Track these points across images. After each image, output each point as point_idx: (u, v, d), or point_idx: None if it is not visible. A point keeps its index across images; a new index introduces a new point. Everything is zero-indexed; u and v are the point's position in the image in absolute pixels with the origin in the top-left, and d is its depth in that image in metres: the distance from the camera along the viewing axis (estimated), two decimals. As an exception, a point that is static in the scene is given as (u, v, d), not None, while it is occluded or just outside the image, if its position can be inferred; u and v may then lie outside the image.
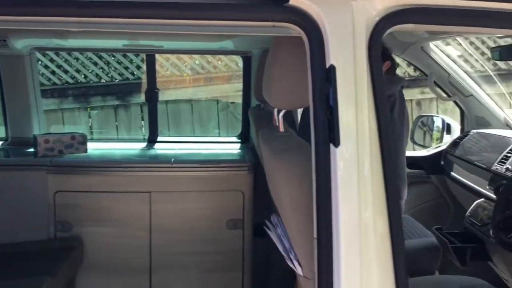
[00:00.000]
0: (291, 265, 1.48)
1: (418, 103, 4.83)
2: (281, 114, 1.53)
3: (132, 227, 2.48)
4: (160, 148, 2.82)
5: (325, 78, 1.20)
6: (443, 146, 2.94)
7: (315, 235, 1.22)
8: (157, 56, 4.62)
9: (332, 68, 1.18)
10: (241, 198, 2.51)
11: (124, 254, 2.49)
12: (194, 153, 2.67)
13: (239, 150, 2.80)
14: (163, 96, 4.56)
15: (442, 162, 2.87)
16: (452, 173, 2.71)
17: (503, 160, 2.28)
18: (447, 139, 3.00)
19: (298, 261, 1.44)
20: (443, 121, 3.13)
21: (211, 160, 2.52)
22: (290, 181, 1.35)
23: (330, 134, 1.19)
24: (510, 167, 2.18)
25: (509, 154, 2.28)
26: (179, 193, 2.47)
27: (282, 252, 1.53)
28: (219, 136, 4.93)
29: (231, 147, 2.89)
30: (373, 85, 1.20)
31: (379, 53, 1.21)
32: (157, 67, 4.69)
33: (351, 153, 1.18)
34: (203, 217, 2.51)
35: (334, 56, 1.18)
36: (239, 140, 2.93)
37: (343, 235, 1.17)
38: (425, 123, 3.28)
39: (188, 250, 2.52)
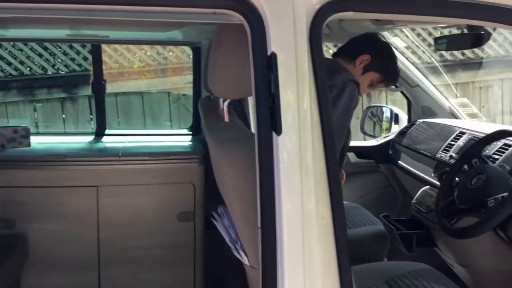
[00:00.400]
0: (237, 256, 1.47)
1: (368, 94, 4.91)
2: (226, 103, 1.52)
3: (79, 222, 2.41)
4: (108, 141, 2.75)
5: (267, 65, 1.19)
6: (391, 136, 3.00)
7: (259, 224, 1.21)
8: (105, 47, 4.53)
9: (274, 55, 1.17)
10: (192, 191, 2.47)
11: (71, 251, 2.42)
12: (143, 146, 2.61)
13: (190, 142, 2.77)
14: (112, 88, 4.47)
15: (390, 152, 2.93)
16: (400, 162, 2.77)
17: (447, 148, 2.34)
18: (395, 129, 3.05)
19: (244, 251, 1.43)
20: (391, 111, 3.19)
21: (161, 152, 2.48)
22: (234, 171, 1.34)
23: (272, 122, 1.18)
24: (453, 154, 2.24)
25: (453, 142, 2.34)
26: (127, 186, 2.42)
27: (229, 243, 1.52)
28: (171, 129, 4.87)
29: (181, 139, 2.85)
30: (315, 72, 1.20)
31: (321, 40, 1.21)
32: (106, 59, 4.61)
33: (294, 141, 1.18)
34: (153, 210, 2.47)
35: (275, 44, 1.17)
36: (190, 132, 2.89)
37: (286, 224, 1.17)
38: (375, 114, 3.33)
39: (138, 244, 2.47)
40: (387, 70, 2.11)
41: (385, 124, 3.23)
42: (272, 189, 1.18)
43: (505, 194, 1.59)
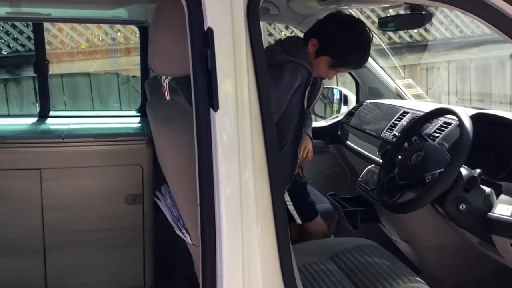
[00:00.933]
0: (180, 234, 1.47)
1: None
2: (166, 81, 1.50)
3: (23, 206, 2.35)
4: (52, 123, 2.68)
5: (204, 41, 1.18)
6: (340, 117, 3.04)
7: (198, 201, 1.21)
8: (50, 27, 4.38)
9: (210, 31, 1.16)
10: (140, 172, 2.45)
11: (15, 235, 2.35)
12: (89, 128, 2.56)
13: (139, 124, 2.73)
14: (58, 69, 4.33)
15: (339, 132, 2.97)
16: (348, 142, 2.82)
17: (391, 127, 2.40)
18: (345, 110, 3.10)
19: (186, 229, 1.43)
20: (340, 92, 3.23)
21: (107, 134, 2.43)
22: (174, 148, 1.33)
23: (210, 98, 1.18)
24: (397, 133, 2.30)
25: (396, 122, 2.40)
26: (72, 169, 2.37)
27: (171, 222, 1.51)
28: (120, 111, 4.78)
29: (130, 121, 2.81)
30: (252, 48, 1.20)
31: (258, 16, 1.21)
32: (50, 39, 4.45)
33: (231, 117, 1.18)
34: (100, 193, 2.43)
35: (211, 19, 1.16)
36: (139, 114, 2.85)
37: (224, 201, 1.17)
38: (325, 95, 3.37)
39: (85, 227, 2.43)
40: (338, 55, 1.98)
41: (335, 106, 3.27)
42: (210, 166, 1.18)
43: (442, 170, 1.65)
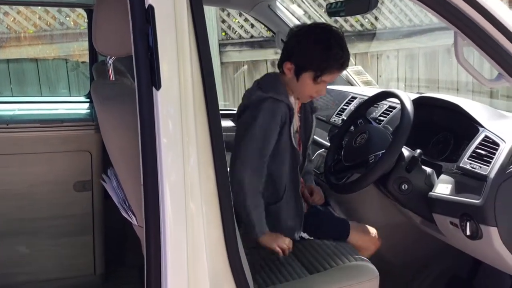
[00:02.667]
0: (126, 216, 1.46)
1: (273, 63, 4.99)
2: (110, 61, 1.48)
3: (-35, 194, 2.27)
4: (-4, 109, 2.59)
5: (145, 18, 1.17)
6: (292, 103, 3.06)
7: (142, 181, 1.20)
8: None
9: (151, 8, 1.15)
10: (89, 159, 2.40)
11: (-43, 225, 2.28)
12: (35, 114, 2.48)
13: (87, 110, 2.67)
14: (3, 54, 4.18)
15: (291, 118, 3.00)
16: (299, 128, 2.85)
17: (340, 112, 2.45)
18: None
19: (132, 211, 1.42)
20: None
21: (53, 119, 2.36)
22: (117, 127, 1.32)
23: (152, 76, 1.17)
24: (345, 118, 2.34)
25: (345, 107, 2.45)
26: (18, 155, 2.30)
27: (117, 204, 1.50)
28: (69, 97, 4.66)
29: (78, 107, 2.74)
30: (195, 25, 1.20)
31: None
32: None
33: (174, 95, 1.17)
34: (47, 180, 2.37)
35: (152, -4, 1.15)
36: (88, 100, 2.79)
37: (167, 180, 1.17)
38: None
39: (33, 216, 2.37)
40: (315, 63, 1.74)
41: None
42: (153, 146, 1.17)
43: (384, 151, 1.69)
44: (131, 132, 1.24)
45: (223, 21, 5.03)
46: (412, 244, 2.14)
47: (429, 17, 5.34)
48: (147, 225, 1.19)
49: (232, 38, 5.06)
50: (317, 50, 1.73)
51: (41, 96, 4.40)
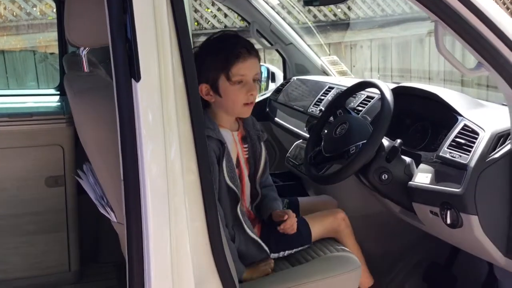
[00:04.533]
0: (104, 213, 1.42)
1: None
2: (84, 52, 1.42)
3: None
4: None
5: (122, 7, 1.12)
6: (268, 94, 3.05)
7: (122, 177, 1.16)
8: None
9: (128, -4, 1.10)
10: (61, 153, 2.33)
11: None
12: (3, 107, 2.40)
13: (58, 103, 2.59)
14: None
15: (267, 109, 2.98)
16: (276, 119, 2.83)
17: (317, 103, 2.44)
18: (273, 87, 3.11)
19: (110, 207, 1.38)
20: (268, 69, 3.25)
21: (22, 113, 2.29)
22: (93, 121, 1.27)
23: (131, 68, 1.13)
24: (323, 108, 2.33)
25: (322, 97, 2.44)
26: (-14, 151, 2.22)
27: (95, 201, 1.45)
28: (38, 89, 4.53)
29: (48, 100, 2.66)
30: (174, 15, 1.16)
31: None
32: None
33: (154, 87, 1.13)
34: (18, 176, 2.30)
35: (130, -16, 1.11)
36: (58, 92, 2.71)
37: (149, 175, 1.13)
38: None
39: (4, 212, 2.30)
40: (219, 63, 1.60)
41: (263, 83, 3.28)
42: (133, 139, 1.13)
43: (364, 141, 1.69)
44: (108, 125, 1.20)
45: (196, 11, 4.96)
46: (391, 233, 2.15)
47: (402, 7, 5.38)
48: (128, 221, 1.16)
49: (205, 28, 4.99)
50: (211, 51, 1.63)
51: (9, 89, 4.26)
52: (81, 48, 1.45)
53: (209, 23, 5.03)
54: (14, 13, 4.38)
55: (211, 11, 5.05)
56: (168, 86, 1.14)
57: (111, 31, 1.13)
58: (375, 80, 1.83)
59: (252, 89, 1.62)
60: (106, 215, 1.40)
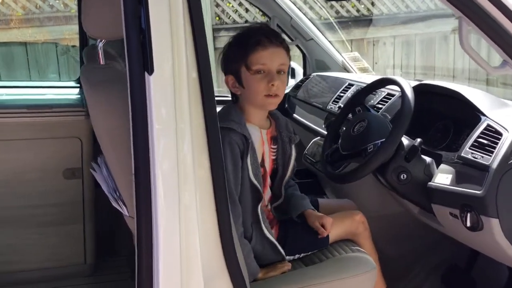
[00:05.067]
0: (116, 206, 1.41)
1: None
2: (101, 44, 1.41)
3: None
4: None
5: (137, 0, 1.11)
6: (287, 90, 3.01)
7: (133, 171, 1.15)
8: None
9: (143, -13, 1.09)
10: (79, 145, 2.34)
11: None
12: (21, 98, 2.41)
13: (78, 95, 2.60)
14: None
15: (286, 105, 2.95)
16: (294, 115, 2.80)
17: (336, 100, 2.39)
18: (292, 83, 3.08)
19: (123, 201, 1.37)
20: (288, 65, 3.20)
21: (42, 105, 2.30)
22: (107, 114, 1.26)
23: (144, 61, 1.11)
24: (342, 105, 2.29)
25: (342, 94, 2.40)
26: (4, 142, 2.23)
27: (107, 193, 1.45)
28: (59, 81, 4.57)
29: (68, 92, 2.67)
30: (189, 7, 1.13)
31: None
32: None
33: (167, 80, 1.11)
34: (35, 167, 2.31)
35: (145, -25, 1.09)
36: (78, 85, 2.72)
37: (160, 170, 1.12)
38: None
39: (21, 203, 2.31)
40: (239, 54, 1.59)
41: (284, 79, 3.24)
42: (145, 133, 1.12)
43: (383, 140, 1.65)
44: (122, 119, 1.18)
45: (217, 5, 4.94)
46: (409, 235, 2.11)
47: (426, 3, 5.27)
48: (138, 216, 1.14)
49: (226, 23, 4.97)
50: (235, 41, 1.63)
51: (30, 80, 4.30)
52: (98, 40, 1.44)
53: (230, 17, 5.01)
54: (37, 5, 4.41)
55: (232, 6, 5.03)
56: (182, 80, 1.12)
57: (126, 22, 1.12)
58: (395, 77, 1.79)
59: (273, 79, 1.56)
60: (119, 208, 1.39)
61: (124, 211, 1.37)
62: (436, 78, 5.39)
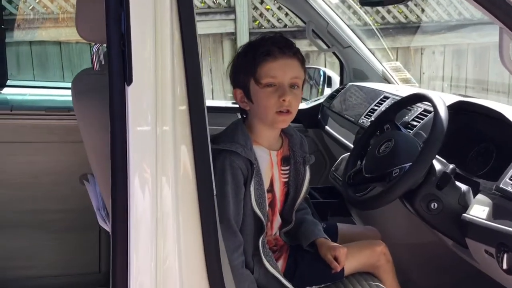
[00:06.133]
0: (102, 225, 1.30)
1: (307, 55, 4.74)
2: (95, 48, 1.30)
3: (-35, 182, 2.18)
4: (6, 94, 2.48)
5: (119, 0, 0.99)
6: (322, 99, 2.85)
7: (110, 189, 1.04)
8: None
9: (124, -13, 0.97)
10: None
11: (-42, 213, 2.19)
12: (42, 100, 2.37)
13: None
14: (25, 36, 4.10)
15: (319, 116, 2.79)
16: (327, 127, 2.64)
17: (369, 113, 2.21)
18: (328, 92, 2.92)
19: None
20: (324, 73, 3.05)
21: (60, 107, 2.24)
22: (90, 125, 1.16)
23: (124, 69, 0.99)
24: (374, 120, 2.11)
25: (376, 107, 2.21)
26: (21, 144, 2.18)
27: (95, 210, 1.34)
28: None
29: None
30: (179, 10, 1.00)
31: None
32: (20, 4, 4.19)
33: (147, 93, 0.99)
34: (51, 171, 2.25)
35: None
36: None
37: (134, 197, 1.00)
38: (312, 76, 3.19)
39: (35, 207, 2.26)
40: (247, 65, 1.44)
41: (320, 88, 3.10)
42: (124, 151, 1.00)
43: (410, 163, 1.46)
44: (105, 131, 1.07)
45: (255, 8, 4.78)
46: (443, 267, 1.90)
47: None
48: (113, 233, 1.04)
49: (264, 27, 4.81)
50: (243, 52, 1.48)
51: (64, 80, 4.31)
52: (94, 44, 1.34)
53: (269, 22, 4.84)
54: (73, 4, 4.42)
55: (271, 9, 4.86)
56: (166, 94, 0.99)
57: (107, 26, 1.00)
58: (428, 92, 1.59)
59: (285, 94, 1.40)
60: (105, 227, 1.28)
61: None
62: (489, 94, 4.98)
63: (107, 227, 1.26)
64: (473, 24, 4.99)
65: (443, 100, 1.52)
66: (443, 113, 1.46)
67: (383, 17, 4.82)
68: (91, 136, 1.17)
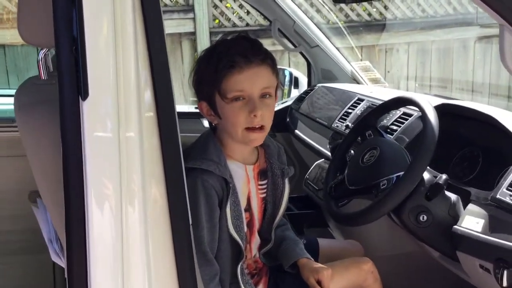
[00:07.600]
0: (55, 260, 1.12)
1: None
2: (42, 54, 1.12)
3: None
4: None
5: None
6: (290, 102, 2.72)
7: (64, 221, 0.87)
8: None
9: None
10: None
11: None
12: None
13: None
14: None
15: (287, 119, 2.65)
16: (296, 131, 2.50)
17: (343, 117, 2.10)
18: (296, 94, 2.79)
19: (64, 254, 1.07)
20: (290, 74, 2.93)
21: (6, 118, 2.02)
22: (36, 145, 0.98)
23: (77, 81, 0.82)
24: (350, 124, 2.00)
25: (350, 110, 2.10)
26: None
27: (46, 241, 1.16)
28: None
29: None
30: (143, 9, 0.84)
31: None
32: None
33: (107, 109, 0.82)
34: (3, 188, 2.04)
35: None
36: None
37: (93, 231, 0.84)
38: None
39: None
40: (210, 78, 1.26)
41: (285, 89, 2.97)
42: (80, 172, 0.83)
43: (400, 173, 1.34)
44: (55, 151, 0.89)
45: (215, 6, 4.61)
46: (426, 279, 1.81)
47: (444, 8, 4.89)
48: (69, 270, 0.91)
49: (225, 26, 4.65)
50: (206, 58, 1.29)
51: (9, 86, 4.01)
52: (41, 49, 1.15)
53: (230, 20, 4.69)
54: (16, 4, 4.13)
55: (232, 7, 4.71)
56: (130, 107, 0.83)
57: (56, 28, 0.83)
58: (415, 96, 1.48)
59: (255, 108, 1.23)
60: (60, 263, 1.10)
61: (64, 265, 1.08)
62: (454, 92, 4.99)
63: (62, 262, 1.08)
64: (437, 21, 4.99)
65: (431, 104, 1.41)
66: (433, 119, 1.35)
67: (346, 15, 4.75)
68: (38, 156, 0.99)
